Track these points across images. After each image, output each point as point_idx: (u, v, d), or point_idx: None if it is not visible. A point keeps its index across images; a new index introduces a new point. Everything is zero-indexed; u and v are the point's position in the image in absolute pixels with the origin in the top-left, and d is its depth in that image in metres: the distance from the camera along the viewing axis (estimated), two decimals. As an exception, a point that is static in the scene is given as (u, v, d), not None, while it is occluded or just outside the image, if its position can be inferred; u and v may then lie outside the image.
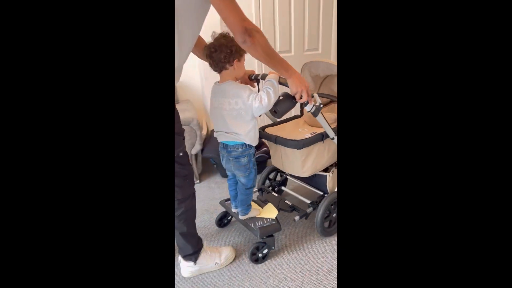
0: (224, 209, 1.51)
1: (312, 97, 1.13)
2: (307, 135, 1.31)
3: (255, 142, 1.17)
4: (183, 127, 1.17)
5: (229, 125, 1.13)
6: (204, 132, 2.06)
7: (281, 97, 1.12)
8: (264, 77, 1.17)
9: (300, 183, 1.62)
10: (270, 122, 1.53)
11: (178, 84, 1.87)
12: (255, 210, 1.35)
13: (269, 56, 0.97)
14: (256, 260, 1.28)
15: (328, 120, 1.23)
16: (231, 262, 1.30)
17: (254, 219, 1.32)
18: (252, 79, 1.22)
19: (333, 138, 1.29)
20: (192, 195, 1.15)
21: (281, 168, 1.45)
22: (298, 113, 1.67)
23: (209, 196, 1.88)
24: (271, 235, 1.29)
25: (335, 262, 1.24)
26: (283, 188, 1.71)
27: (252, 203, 1.37)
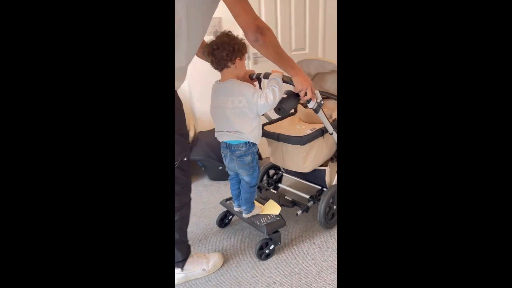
0: (225, 209, 1.51)
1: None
2: (308, 131, 1.34)
3: (258, 140, 1.18)
4: None
5: (232, 124, 1.12)
6: (192, 134, 2.02)
7: (285, 95, 1.14)
8: (266, 75, 1.18)
9: (296, 179, 1.65)
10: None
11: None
12: (258, 208, 1.36)
13: (279, 54, 0.99)
14: (267, 256, 1.30)
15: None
16: (219, 268, 1.26)
17: (258, 216, 1.33)
18: (252, 78, 1.23)
19: (331, 133, 1.34)
20: (187, 204, 1.12)
21: (281, 165, 1.46)
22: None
23: (196, 199, 1.82)
24: (277, 231, 1.30)
25: (325, 264, 1.25)
26: (279, 185, 1.73)
27: (254, 201, 1.37)
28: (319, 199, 1.45)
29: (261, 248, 1.28)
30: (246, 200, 1.30)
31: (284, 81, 1.13)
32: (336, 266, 1.20)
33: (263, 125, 1.47)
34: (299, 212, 1.42)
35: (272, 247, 1.30)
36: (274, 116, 1.39)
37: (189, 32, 0.89)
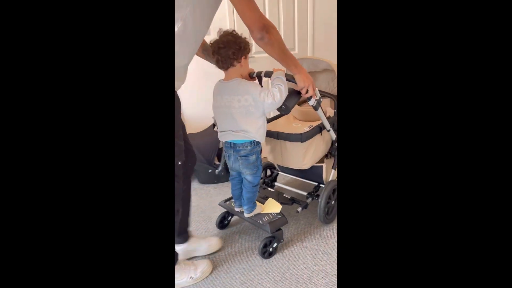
0: (224, 210, 1.50)
1: None
2: (306, 128, 1.36)
3: (263, 139, 1.19)
4: None
5: (238, 123, 1.11)
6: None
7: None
8: (268, 74, 1.19)
9: (293, 177, 1.67)
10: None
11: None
12: (259, 207, 1.36)
13: (283, 52, 1.00)
14: (269, 255, 1.30)
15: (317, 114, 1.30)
16: (207, 276, 1.22)
17: (259, 215, 1.33)
18: (252, 77, 1.23)
19: (329, 130, 1.37)
20: (177, 212, 1.08)
21: (280, 163, 1.47)
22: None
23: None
24: (279, 229, 1.31)
25: (316, 268, 1.23)
26: (275, 183, 1.74)
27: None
28: (317, 196, 1.47)
29: (265, 247, 1.28)
30: (248, 199, 1.29)
31: (286, 79, 1.14)
32: (327, 270, 1.21)
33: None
34: (299, 209, 1.44)
35: (275, 245, 1.31)
36: (270, 114, 1.42)
37: (194, 30, 0.88)
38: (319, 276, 1.20)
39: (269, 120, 1.55)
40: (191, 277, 1.17)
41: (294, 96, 1.16)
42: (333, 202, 1.49)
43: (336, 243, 1.35)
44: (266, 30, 0.90)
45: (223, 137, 1.19)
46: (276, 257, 1.31)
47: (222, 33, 1.07)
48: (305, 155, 1.36)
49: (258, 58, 1.98)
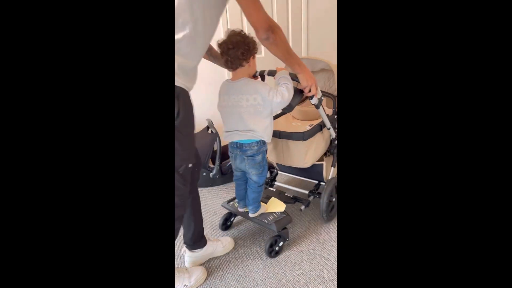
0: (227, 212, 1.50)
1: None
2: (308, 127, 1.38)
3: (270, 138, 1.19)
4: None
5: (246, 122, 1.12)
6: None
7: None
8: (271, 73, 1.20)
9: (293, 176, 1.68)
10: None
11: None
12: (262, 207, 1.36)
13: (288, 52, 1.02)
14: (276, 253, 1.30)
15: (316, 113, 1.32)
16: (201, 283, 1.19)
17: (264, 215, 1.33)
18: (255, 76, 1.23)
19: (329, 128, 1.40)
20: (181, 217, 1.05)
21: (282, 162, 1.48)
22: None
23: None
24: (285, 228, 1.32)
25: (313, 273, 1.21)
26: (275, 183, 1.76)
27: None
28: (318, 193, 1.49)
29: (271, 246, 1.28)
30: (253, 199, 1.29)
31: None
32: (325, 276, 1.19)
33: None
34: (302, 207, 1.45)
35: (281, 243, 1.31)
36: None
37: (204, 31, 0.88)
38: (316, 282, 1.17)
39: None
40: (185, 285, 1.13)
41: (297, 95, 1.18)
42: (334, 199, 1.51)
43: (333, 247, 1.35)
44: (271, 31, 0.91)
45: (229, 138, 1.18)
46: (272, 262, 1.29)
47: (230, 33, 1.07)
48: (307, 153, 1.38)
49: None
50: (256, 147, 1.16)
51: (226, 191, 1.99)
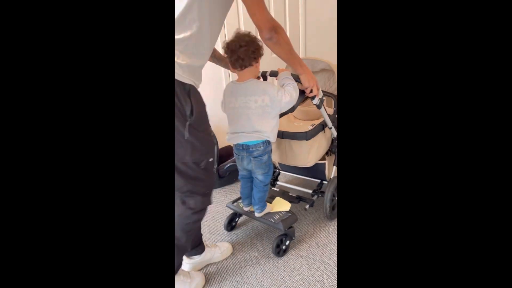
0: (232, 212, 1.51)
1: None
2: (310, 127, 1.39)
3: (275, 138, 1.21)
4: None
5: (254, 123, 1.12)
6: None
7: None
8: (273, 73, 1.21)
9: (293, 175, 1.70)
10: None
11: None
12: (268, 207, 1.37)
13: (291, 52, 1.02)
14: (283, 252, 1.32)
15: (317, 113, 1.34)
16: None
17: (269, 214, 1.35)
18: (258, 76, 1.23)
19: (330, 128, 1.41)
20: (205, 209, 1.07)
21: (284, 162, 1.49)
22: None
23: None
24: (291, 226, 1.33)
25: (312, 279, 1.19)
26: (277, 182, 1.77)
27: None
28: (322, 192, 1.51)
29: (278, 245, 1.30)
30: (259, 199, 1.30)
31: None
32: (324, 281, 1.18)
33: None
34: (307, 206, 1.47)
35: (288, 242, 1.33)
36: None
37: (211, 31, 0.89)
38: None
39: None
40: None
41: (299, 96, 1.20)
42: (337, 197, 1.53)
43: (333, 252, 1.34)
44: (275, 31, 0.93)
45: (234, 140, 1.19)
46: (271, 268, 1.27)
47: (239, 33, 1.08)
48: (310, 152, 1.39)
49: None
50: (262, 148, 1.17)
51: (224, 195, 1.98)
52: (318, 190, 1.54)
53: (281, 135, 1.34)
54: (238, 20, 1.98)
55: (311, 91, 1.16)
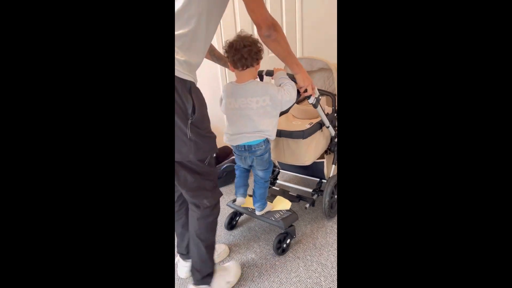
0: (232, 211, 1.52)
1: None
2: (307, 125, 1.40)
3: (275, 136, 1.23)
4: None
5: (255, 123, 1.13)
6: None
7: None
8: (269, 73, 1.21)
9: (293, 174, 1.71)
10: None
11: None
12: (269, 205, 1.38)
13: (288, 51, 1.03)
14: (283, 251, 1.32)
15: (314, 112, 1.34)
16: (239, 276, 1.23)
17: (270, 213, 1.36)
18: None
19: (328, 126, 1.41)
20: (219, 201, 1.08)
21: (283, 160, 1.50)
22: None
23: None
24: (292, 225, 1.34)
25: (310, 281, 1.19)
26: (277, 181, 1.78)
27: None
28: (321, 191, 1.51)
29: (279, 242, 1.31)
30: (260, 196, 1.31)
31: None
32: (322, 283, 1.17)
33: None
34: (307, 205, 1.48)
35: (288, 241, 1.33)
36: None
37: (208, 28, 0.88)
38: None
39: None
40: (228, 282, 1.17)
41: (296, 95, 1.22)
42: (335, 196, 1.54)
43: (330, 253, 1.34)
44: (274, 28, 0.93)
45: (235, 141, 1.19)
46: (268, 270, 1.27)
47: (242, 34, 1.09)
48: (307, 151, 1.39)
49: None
50: (263, 146, 1.19)
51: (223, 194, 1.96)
52: (318, 189, 1.55)
53: (279, 133, 1.35)
54: (234, 18, 1.97)
55: (306, 91, 1.16)
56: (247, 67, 1.08)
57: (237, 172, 1.35)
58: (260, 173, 1.27)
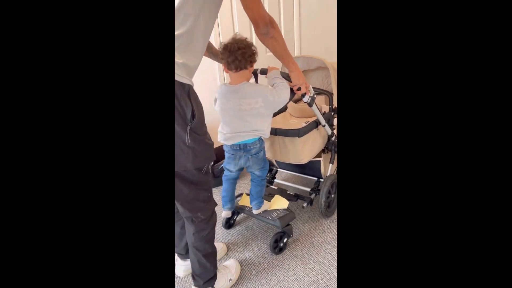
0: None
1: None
2: (303, 124, 1.39)
3: (269, 134, 1.24)
4: None
5: (249, 124, 1.15)
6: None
7: None
8: (263, 71, 1.22)
9: (292, 173, 1.70)
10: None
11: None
12: (266, 204, 1.39)
13: (285, 48, 1.03)
14: (280, 250, 1.32)
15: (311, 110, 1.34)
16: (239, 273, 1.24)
17: (267, 212, 1.36)
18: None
19: (324, 125, 1.41)
20: (214, 211, 1.07)
21: (279, 159, 1.50)
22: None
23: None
24: (288, 224, 1.34)
25: (307, 279, 1.19)
26: (275, 180, 1.78)
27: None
28: (319, 190, 1.51)
29: (276, 242, 1.31)
30: (257, 193, 1.32)
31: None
32: (319, 281, 1.18)
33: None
34: (305, 204, 1.48)
35: (285, 240, 1.34)
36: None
37: (205, 28, 0.87)
38: None
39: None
40: (230, 279, 1.18)
41: (290, 93, 1.21)
42: (332, 195, 1.54)
43: (327, 251, 1.35)
44: (271, 25, 0.93)
45: (230, 140, 1.19)
46: (265, 268, 1.27)
47: (237, 37, 1.10)
48: (303, 149, 1.39)
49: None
50: (258, 145, 1.21)
51: (219, 194, 1.97)
52: (316, 188, 1.55)
53: (274, 131, 1.35)
54: (232, 17, 1.98)
55: (299, 89, 1.17)
56: (241, 69, 1.10)
57: (224, 185, 1.35)
58: (257, 172, 1.28)
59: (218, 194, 1.98)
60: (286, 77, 1.16)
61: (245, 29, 1.97)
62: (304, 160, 1.41)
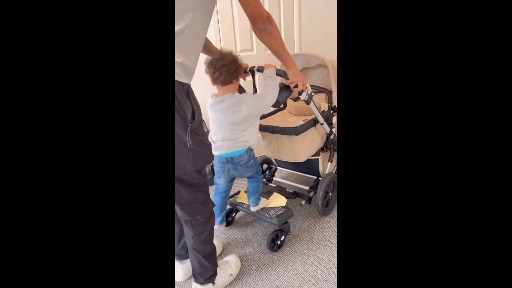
0: (229, 207, 1.52)
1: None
2: (301, 122, 1.39)
3: (256, 141, 1.24)
4: None
5: (236, 134, 1.16)
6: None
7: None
8: (260, 69, 1.22)
9: (291, 171, 1.71)
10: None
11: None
12: (264, 201, 1.39)
13: (282, 45, 1.04)
14: (278, 247, 1.33)
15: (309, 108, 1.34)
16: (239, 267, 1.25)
17: (265, 210, 1.37)
18: (246, 72, 1.25)
19: (322, 123, 1.41)
20: (213, 212, 1.08)
21: (277, 157, 1.50)
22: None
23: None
24: (286, 222, 1.35)
25: (306, 274, 1.20)
26: (274, 178, 1.78)
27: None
28: (317, 188, 1.51)
29: (273, 240, 1.31)
30: (254, 189, 1.33)
31: (277, 74, 1.18)
32: (318, 276, 1.18)
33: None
34: (303, 202, 1.48)
35: (283, 237, 1.34)
36: (266, 111, 1.44)
37: (201, 26, 0.86)
38: (310, 283, 1.16)
39: (265, 116, 1.60)
40: (230, 274, 1.19)
41: (285, 91, 1.22)
42: (330, 194, 1.54)
43: (327, 247, 1.36)
44: (269, 22, 0.94)
45: (220, 149, 1.21)
46: (265, 263, 1.28)
47: (223, 52, 1.11)
48: (301, 148, 1.39)
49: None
50: (246, 156, 1.22)
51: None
52: (315, 187, 1.54)
53: (272, 130, 1.35)
54: (232, 17, 1.99)
55: (296, 86, 1.18)
56: (227, 83, 1.11)
57: (215, 199, 1.34)
58: (251, 175, 1.30)
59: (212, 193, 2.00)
60: (283, 74, 1.16)
61: (245, 29, 1.98)
62: (301, 159, 1.41)
